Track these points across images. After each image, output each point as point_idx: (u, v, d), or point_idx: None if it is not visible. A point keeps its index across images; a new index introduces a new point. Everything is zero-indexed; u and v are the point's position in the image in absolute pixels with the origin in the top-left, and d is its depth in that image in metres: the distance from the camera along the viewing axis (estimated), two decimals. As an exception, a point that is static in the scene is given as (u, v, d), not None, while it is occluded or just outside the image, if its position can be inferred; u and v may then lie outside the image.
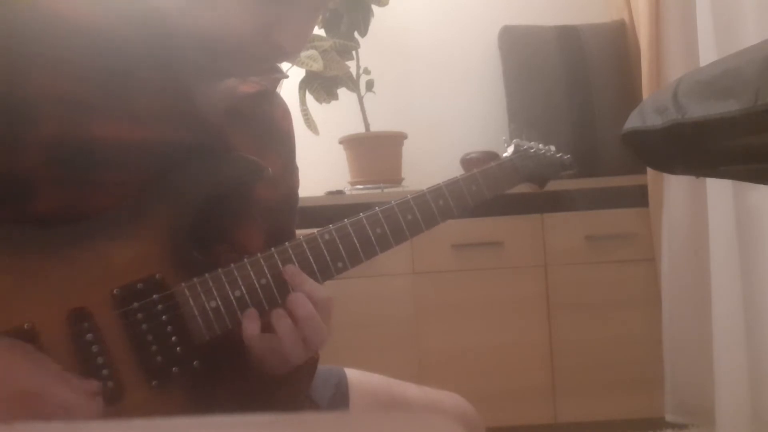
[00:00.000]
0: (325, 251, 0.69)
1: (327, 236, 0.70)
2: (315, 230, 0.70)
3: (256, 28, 0.66)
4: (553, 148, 0.95)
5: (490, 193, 0.81)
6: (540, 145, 0.93)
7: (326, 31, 2.06)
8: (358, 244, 0.71)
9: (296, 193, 0.85)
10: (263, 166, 0.70)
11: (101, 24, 0.64)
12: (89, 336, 0.58)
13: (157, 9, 0.67)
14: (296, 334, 0.63)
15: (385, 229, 0.73)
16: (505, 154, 0.88)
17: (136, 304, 0.60)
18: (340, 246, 0.70)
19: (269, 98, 0.82)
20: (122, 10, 0.66)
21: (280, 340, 0.63)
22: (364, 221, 0.72)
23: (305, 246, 0.69)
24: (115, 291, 0.60)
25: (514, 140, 0.91)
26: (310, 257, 0.69)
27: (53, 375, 0.55)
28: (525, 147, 0.90)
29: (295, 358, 0.65)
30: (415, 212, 0.75)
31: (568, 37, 2.23)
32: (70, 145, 0.60)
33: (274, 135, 0.81)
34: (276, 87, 0.82)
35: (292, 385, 0.72)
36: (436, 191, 0.77)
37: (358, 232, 0.71)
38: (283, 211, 0.80)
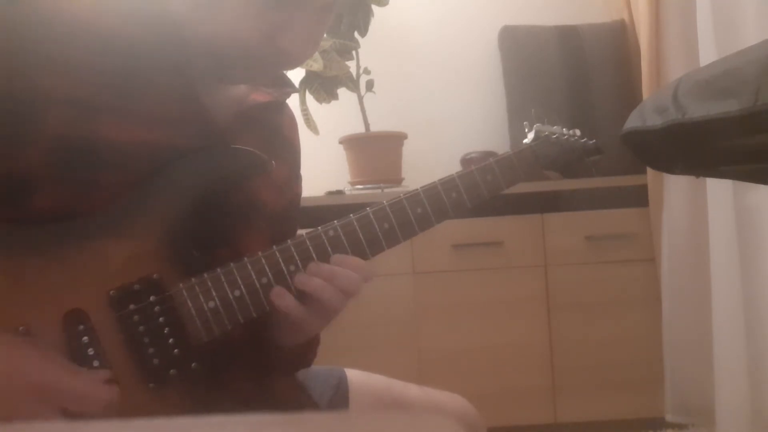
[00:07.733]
0: (329, 248, 0.67)
1: (331, 232, 0.67)
2: (318, 228, 0.68)
3: (262, 34, 0.65)
4: (578, 132, 0.89)
5: (506, 183, 0.76)
6: (564, 130, 0.87)
7: (326, 31, 2.06)
8: (363, 240, 0.68)
9: (299, 202, 0.84)
10: (266, 159, 0.68)
11: (111, 25, 0.64)
12: (85, 338, 0.58)
13: (170, 12, 0.67)
14: (332, 286, 0.65)
15: (393, 223, 0.69)
16: (525, 140, 0.83)
17: (132, 307, 0.59)
18: (345, 242, 0.67)
19: (279, 108, 0.81)
20: (133, 12, 0.66)
21: (319, 290, 0.65)
22: (371, 216, 0.68)
23: (308, 243, 0.66)
24: (111, 292, 0.59)
25: (536, 125, 0.84)
26: (314, 255, 0.66)
27: (64, 367, 0.55)
28: (547, 133, 0.84)
29: (335, 309, 0.67)
30: (425, 205, 0.71)
31: (568, 37, 2.23)
32: (74, 145, 0.60)
33: (281, 142, 0.81)
34: (286, 100, 0.82)
35: (305, 355, 0.77)
36: (449, 182, 0.73)
37: (365, 228, 0.68)
38: (287, 219, 0.79)
